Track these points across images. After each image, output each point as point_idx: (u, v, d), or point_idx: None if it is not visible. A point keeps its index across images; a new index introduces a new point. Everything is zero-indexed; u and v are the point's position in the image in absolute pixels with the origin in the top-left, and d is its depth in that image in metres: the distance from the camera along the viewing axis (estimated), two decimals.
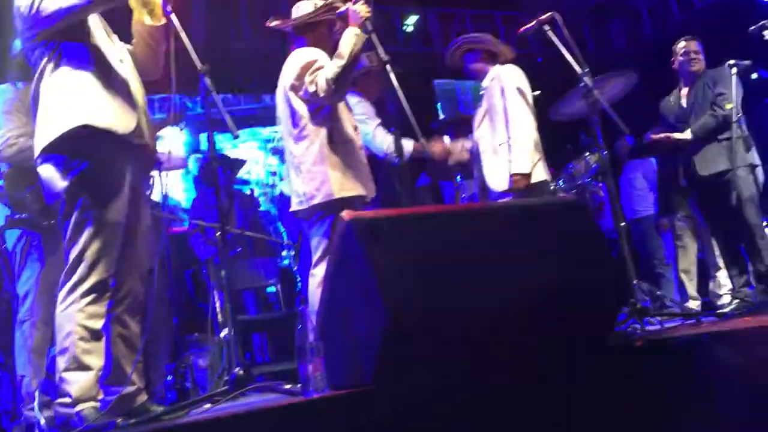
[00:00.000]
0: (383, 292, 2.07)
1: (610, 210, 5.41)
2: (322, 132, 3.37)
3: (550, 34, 3.79)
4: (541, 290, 2.28)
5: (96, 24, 2.80)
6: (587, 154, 5.25)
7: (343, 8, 3.37)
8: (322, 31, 3.55)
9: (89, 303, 2.61)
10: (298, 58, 3.43)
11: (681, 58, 4.77)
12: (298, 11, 3.57)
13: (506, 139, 4.06)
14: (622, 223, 3.77)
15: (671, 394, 2.22)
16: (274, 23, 3.58)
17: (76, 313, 2.59)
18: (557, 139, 5.63)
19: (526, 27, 3.90)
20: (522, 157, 3.99)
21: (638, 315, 3.24)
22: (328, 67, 3.26)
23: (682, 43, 4.78)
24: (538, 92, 8.70)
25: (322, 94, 3.26)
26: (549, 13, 3.76)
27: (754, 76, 5.73)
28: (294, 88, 3.40)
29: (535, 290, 2.27)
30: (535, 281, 2.28)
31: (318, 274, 3.30)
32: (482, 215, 2.42)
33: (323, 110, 3.39)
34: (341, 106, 3.49)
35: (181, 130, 5.32)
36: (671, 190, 5.41)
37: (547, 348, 2.25)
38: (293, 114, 3.41)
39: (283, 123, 3.51)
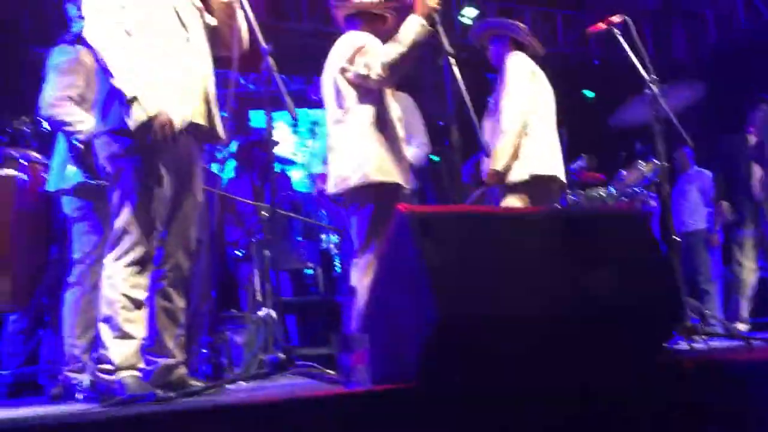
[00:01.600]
0: (434, 289, 2.04)
1: (659, 221, 5.33)
2: (365, 116, 3.30)
3: (620, 37, 3.68)
4: (594, 301, 2.22)
5: (160, 14, 2.74)
6: (641, 162, 5.15)
7: None
8: (378, 23, 3.49)
9: (133, 273, 2.63)
10: (350, 40, 3.37)
11: None
12: None
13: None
14: (675, 237, 3.65)
15: (721, 421, 2.15)
16: (336, 2, 3.53)
17: (120, 282, 2.61)
18: (611, 145, 5.52)
19: (595, 28, 3.78)
20: (499, 154, 3.67)
21: (686, 333, 3.15)
22: (386, 50, 3.20)
23: None
24: (592, 94, 8.54)
25: (374, 77, 3.20)
26: (620, 16, 3.65)
27: None
28: (342, 70, 3.34)
29: (589, 300, 2.21)
30: (589, 291, 2.22)
31: (360, 263, 3.26)
32: (539, 219, 2.36)
33: (370, 94, 3.32)
34: (388, 94, 3.42)
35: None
36: (743, 200, 5.27)
37: (596, 361, 2.19)
38: (338, 95, 3.36)
39: (327, 104, 3.46)
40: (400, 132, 3.43)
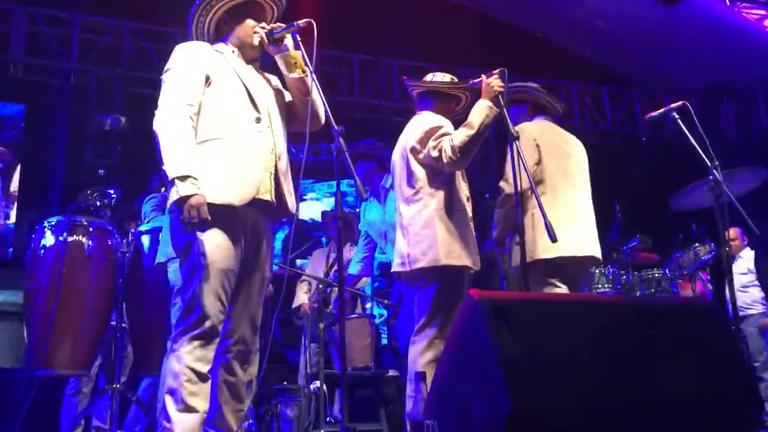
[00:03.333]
0: (508, 380, 2.01)
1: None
2: (437, 197, 3.35)
3: (680, 122, 3.69)
4: (670, 396, 2.17)
5: (231, 91, 2.83)
6: (697, 244, 5.11)
7: (477, 80, 3.38)
8: (448, 104, 3.58)
9: (199, 347, 2.65)
10: (423, 121, 3.45)
11: None
12: (435, 78, 3.60)
13: None
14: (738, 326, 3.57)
15: None
16: (411, 83, 3.62)
17: (185, 355, 2.63)
18: (668, 225, 5.48)
19: (653, 113, 3.80)
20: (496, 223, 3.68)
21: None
22: (457, 134, 3.27)
23: None
24: (642, 166, 8.44)
25: (445, 160, 3.26)
26: (681, 102, 3.66)
27: None
28: (414, 150, 3.41)
29: (665, 396, 2.16)
30: (665, 385, 2.17)
31: (419, 341, 3.26)
32: (613, 308, 2.34)
33: (441, 176, 3.38)
34: (459, 174, 3.48)
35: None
36: None
37: None
38: (410, 175, 3.42)
39: (397, 183, 3.52)
40: (469, 211, 3.46)
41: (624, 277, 5.06)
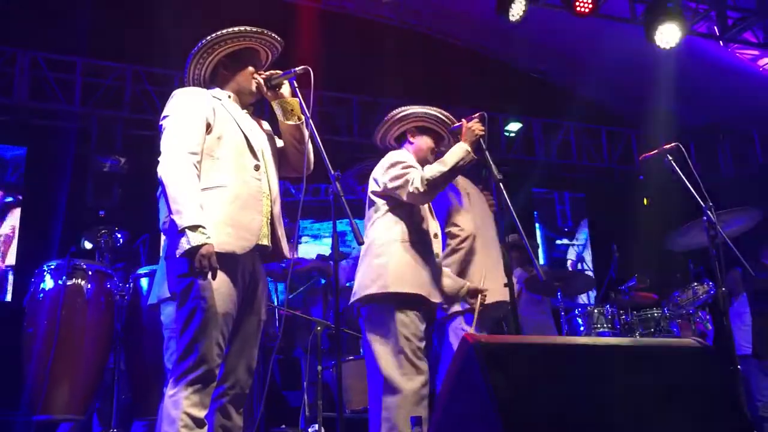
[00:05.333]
0: (504, 425, 2.00)
1: (713, 344, 5.21)
2: (395, 228, 3.34)
3: (673, 163, 3.74)
4: None
5: (231, 138, 2.85)
6: (695, 284, 5.12)
7: (457, 123, 3.41)
8: (426, 139, 3.56)
9: (195, 391, 2.64)
10: (392, 155, 3.47)
11: None
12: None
13: None
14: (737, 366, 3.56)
15: None
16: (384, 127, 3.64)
17: (182, 401, 2.61)
18: (665, 265, 5.50)
19: (647, 154, 3.85)
20: None
21: None
22: (429, 167, 3.28)
23: None
24: (648, 201, 8.46)
25: (410, 190, 3.24)
26: (674, 144, 3.72)
27: None
28: (377, 181, 3.43)
29: None
30: (662, 430, 2.16)
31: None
32: (608, 351, 2.34)
33: (403, 207, 3.37)
34: (425, 209, 3.48)
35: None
36: None
37: None
38: (371, 205, 3.45)
39: (366, 213, 3.54)
40: (436, 248, 3.43)
41: (623, 317, 5.06)
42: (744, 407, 2.49)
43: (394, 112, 3.58)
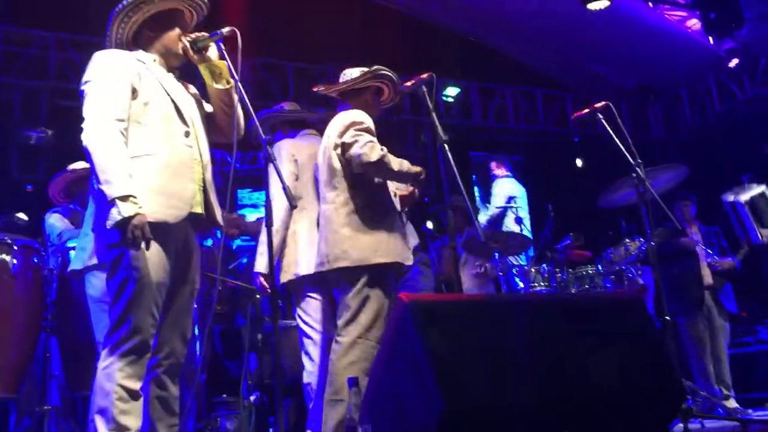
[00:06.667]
0: (438, 379, 2.03)
1: (653, 298, 5.38)
2: (360, 194, 3.33)
3: (604, 122, 3.81)
4: (596, 388, 2.22)
5: (159, 104, 2.77)
6: (627, 240, 5.25)
7: (406, 85, 3.43)
8: (366, 97, 3.54)
9: (129, 363, 2.58)
10: (344, 116, 3.40)
11: None
12: (345, 77, 3.58)
13: None
14: (668, 318, 3.68)
15: None
16: (320, 88, 3.60)
17: (116, 373, 2.56)
18: (598, 223, 5.62)
19: (579, 113, 3.92)
20: None
21: (683, 416, 3.14)
22: (389, 156, 3.26)
23: None
24: (580, 163, 8.65)
25: (364, 159, 3.22)
26: (604, 103, 3.78)
27: None
28: (337, 147, 3.36)
29: (591, 387, 2.22)
30: (591, 378, 2.23)
31: (344, 341, 3.19)
32: (539, 306, 2.39)
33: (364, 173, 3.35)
34: None
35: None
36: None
37: None
38: (331, 173, 3.38)
39: (321, 183, 3.48)
40: (397, 206, 3.45)
41: (559, 274, 5.17)
42: (667, 355, 2.58)
43: (365, 72, 3.53)
